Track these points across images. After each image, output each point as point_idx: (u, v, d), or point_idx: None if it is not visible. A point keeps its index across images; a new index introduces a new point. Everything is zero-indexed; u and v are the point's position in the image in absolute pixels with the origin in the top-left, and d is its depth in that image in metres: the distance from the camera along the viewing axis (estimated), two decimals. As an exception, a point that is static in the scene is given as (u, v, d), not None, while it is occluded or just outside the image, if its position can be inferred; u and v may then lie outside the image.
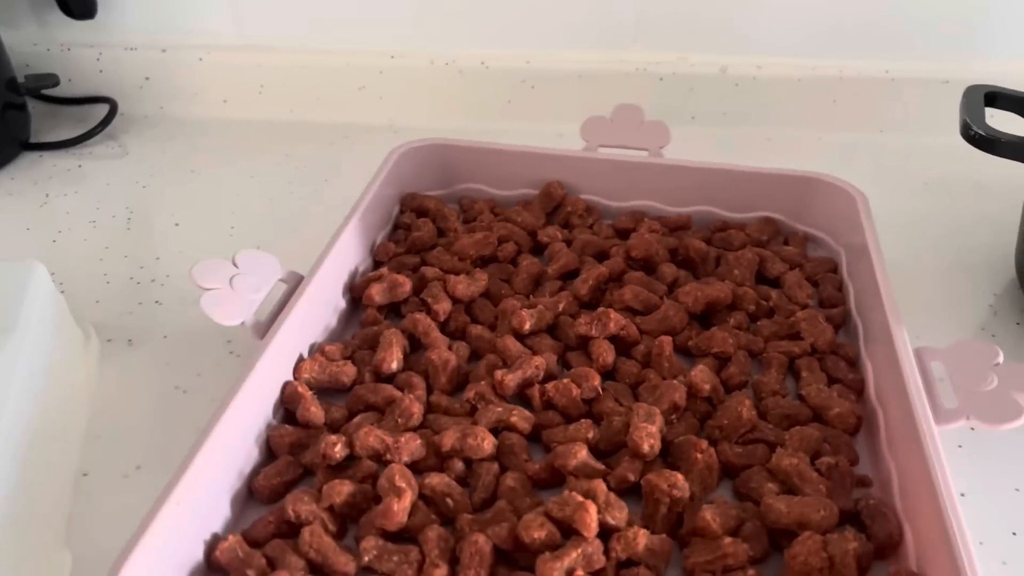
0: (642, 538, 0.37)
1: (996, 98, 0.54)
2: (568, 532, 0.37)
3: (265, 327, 0.45)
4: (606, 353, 0.47)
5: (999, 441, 0.45)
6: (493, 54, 0.76)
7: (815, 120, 0.75)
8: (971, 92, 0.53)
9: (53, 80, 0.75)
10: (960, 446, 0.46)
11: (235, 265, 0.48)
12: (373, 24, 0.75)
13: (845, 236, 0.57)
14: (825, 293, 0.54)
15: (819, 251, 0.60)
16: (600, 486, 0.38)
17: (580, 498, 0.37)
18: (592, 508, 0.37)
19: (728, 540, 0.37)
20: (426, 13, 0.75)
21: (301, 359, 0.47)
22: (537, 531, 0.37)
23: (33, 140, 0.74)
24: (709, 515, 0.38)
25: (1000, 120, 0.52)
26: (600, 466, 0.41)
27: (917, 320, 0.53)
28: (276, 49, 0.77)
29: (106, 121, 0.75)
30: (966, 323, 0.55)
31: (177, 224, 0.64)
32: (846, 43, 0.73)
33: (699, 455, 0.41)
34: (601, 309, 0.49)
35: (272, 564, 0.37)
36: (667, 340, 0.48)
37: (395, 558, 0.37)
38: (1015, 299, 0.56)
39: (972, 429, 0.46)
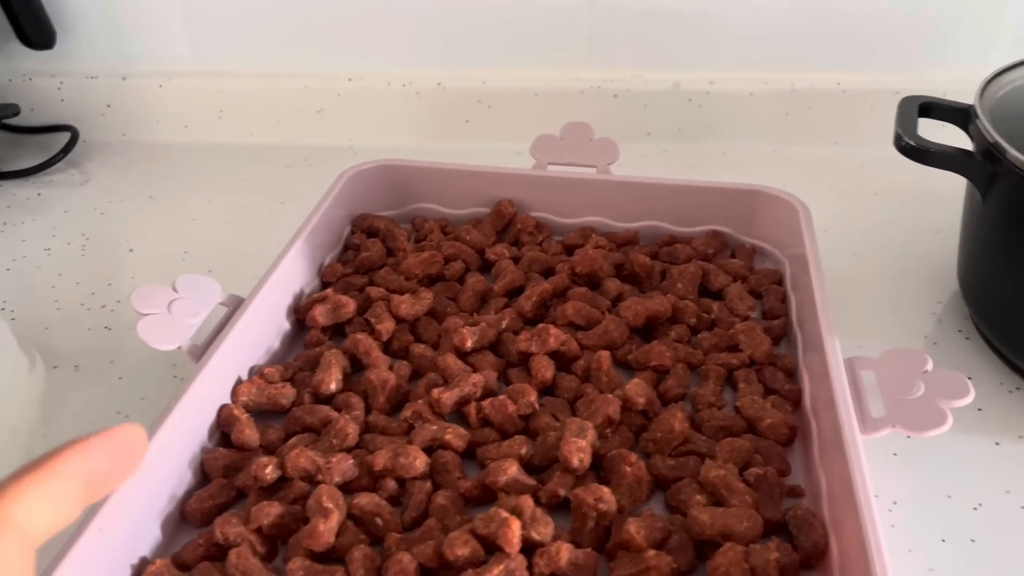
0: (565, 552, 0.37)
1: (931, 109, 0.54)
2: (493, 549, 0.37)
3: (202, 350, 0.46)
4: (545, 369, 0.48)
5: (933, 448, 0.46)
6: (449, 75, 0.76)
7: (769, 133, 0.76)
8: (905, 103, 0.54)
9: (14, 109, 0.76)
10: (895, 454, 0.46)
11: (175, 290, 0.48)
12: (330, 47, 0.76)
13: (789, 247, 0.58)
14: (768, 304, 0.54)
15: (766, 263, 0.60)
16: (527, 502, 0.39)
17: (505, 514, 0.37)
18: (515, 524, 0.37)
19: (652, 553, 0.37)
20: (382, 36, 0.76)
21: (240, 381, 0.47)
22: (461, 548, 0.37)
23: (-6, 169, 0.74)
24: (633, 528, 0.38)
25: (935, 129, 0.52)
26: (531, 481, 0.41)
27: (861, 329, 0.54)
28: (235, 74, 0.77)
29: (67, 148, 0.75)
30: (910, 332, 0.55)
31: (131, 250, 0.64)
32: (798, 56, 0.74)
33: (628, 468, 0.41)
34: (541, 325, 0.49)
35: (199, 587, 0.37)
36: (605, 355, 0.48)
37: (321, 578, 0.37)
38: (958, 308, 0.57)
39: (908, 437, 0.46)
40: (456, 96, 0.77)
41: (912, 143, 0.50)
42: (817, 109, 0.75)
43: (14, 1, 0.71)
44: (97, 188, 0.73)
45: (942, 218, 0.65)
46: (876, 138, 0.74)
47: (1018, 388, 0.50)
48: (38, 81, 0.78)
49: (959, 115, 0.52)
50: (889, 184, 0.70)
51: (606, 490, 0.39)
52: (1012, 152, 0.46)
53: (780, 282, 0.57)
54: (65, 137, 0.76)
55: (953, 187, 0.54)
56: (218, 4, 0.75)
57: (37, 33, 0.73)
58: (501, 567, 0.36)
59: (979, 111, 0.49)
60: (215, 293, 0.49)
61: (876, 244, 0.64)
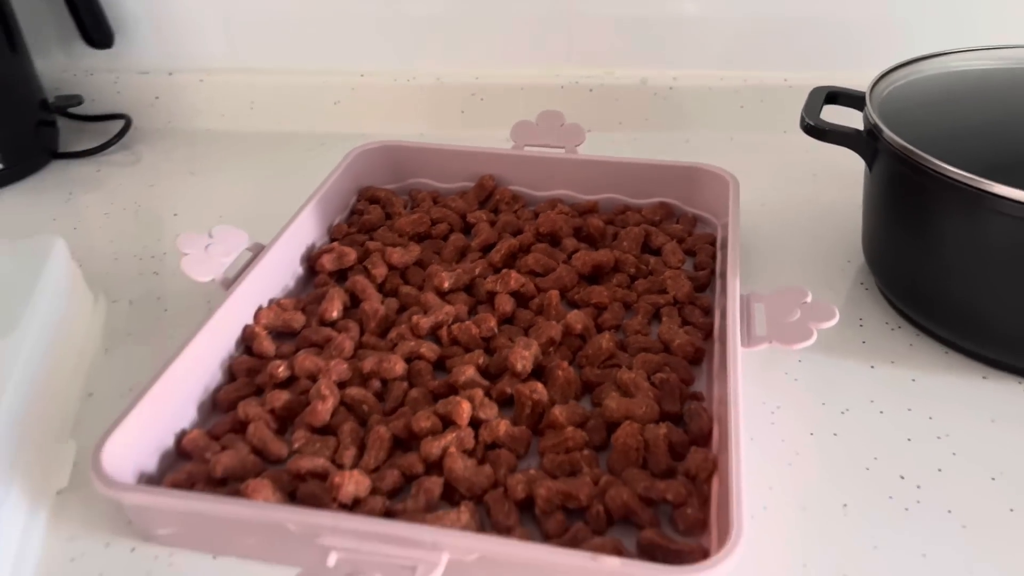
0: (503, 426, 0.48)
1: (837, 96, 0.65)
2: (449, 424, 0.49)
3: (231, 282, 0.57)
4: (505, 304, 0.59)
5: (816, 369, 0.56)
6: (447, 71, 0.88)
7: (725, 123, 0.87)
8: (814, 93, 0.65)
9: (78, 100, 0.89)
10: (786, 373, 0.56)
11: (211, 236, 0.60)
12: (345, 47, 0.88)
13: (723, 216, 0.68)
14: (699, 259, 0.65)
15: (706, 229, 0.71)
16: (477, 392, 0.50)
17: (458, 398, 0.49)
18: (466, 404, 0.48)
19: (570, 429, 0.48)
20: (390, 37, 0.88)
21: (261, 308, 0.59)
22: (424, 422, 0.48)
23: (61, 151, 0.87)
24: (557, 411, 0.49)
25: (840, 115, 0.63)
26: (484, 382, 0.53)
27: (778, 282, 0.64)
28: (264, 71, 0.90)
29: (122, 134, 0.88)
30: (820, 284, 0.65)
31: (175, 215, 0.77)
32: (749, 57, 0.85)
33: (560, 372, 0.52)
34: (505, 270, 0.61)
35: (225, 450, 0.49)
36: (554, 292, 0.59)
37: (318, 444, 0.49)
38: (862, 266, 0.67)
39: (800, 361, 0.57)
40: (453, 90, 0.89)
41: (812, 123, 0.61)
42: (767, 102, 0.86)
43: (80, 7, 0.85)
44: (147, 167, 0.86)
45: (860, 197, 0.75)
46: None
47: (899, 327, 0.60)
48: (98, 76, 0.91)
49: (858, 102, 0.63)
50: (827, 167, 0.81)
51: (540, 385, 0.50)
52: (887, 132, 0.56)
53: (713, 243, 0.68)
54: (120, 124, 0.89)
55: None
56: (251, 11, 0.87)
57: (98, 35, 0.87)
58: (453, 435, 0.47)
59: (868, 99, 0.60)
60: (242, 240, 0.61)
61: (806, 216, 0.74)
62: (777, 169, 0.81)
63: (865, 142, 0.59)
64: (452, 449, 0.47)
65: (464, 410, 0.48)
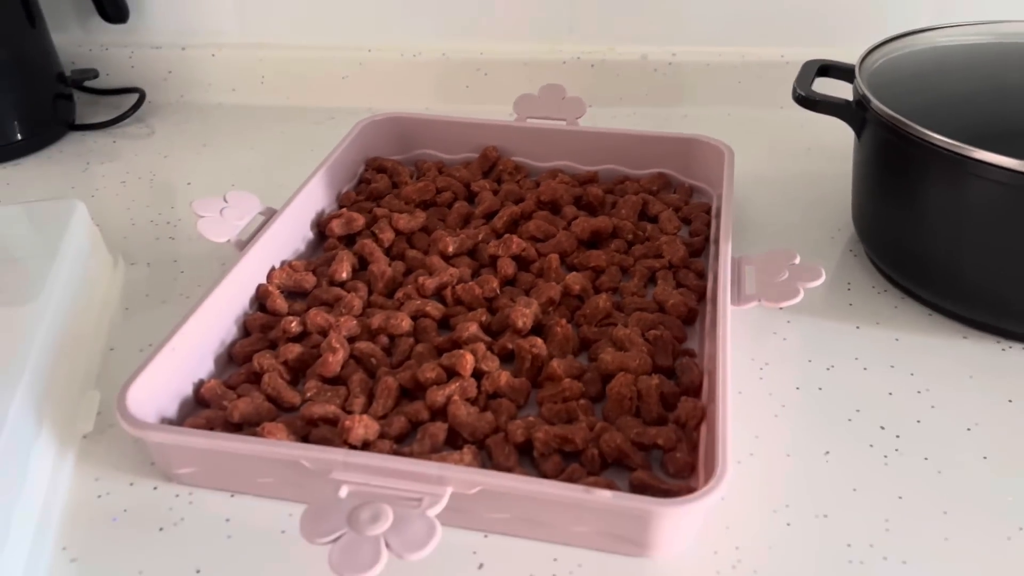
0: (504, 377, 0.51)
1: (829, 69, 0.67)
2: (453, 375, 0.51)
3: (245, 244, 0.60)
4: (507, 267, 0.62)
5: (803, 329, 0.59)
6: (452, 47, 0.91)
7: (723, 98, 0.89)
8: (807, 65, 0.67)
9: (93, 74, 0.91)
10: (775, 332, 0.59)
11: (225, 200, 0.63)
12: (353, 24, 0.91)
13: (718, 186, 0.71)
14: (694, 227, 0.68)
15: (702, 199, 0.73)
16: (480, 346, 0.53)
17: (462, 351, 0.52)
18: (469, 356, 0.51)
19: (567, 380, 0.51)
20: (397, 13, 0.90)
21: (273, 269, 0.62)
22: (430, 372, 0.51)
23: (78, 123, 0.90)
24: (555, 363, 0.52)
25: (832, 87, 0.65)
26: (486, 338, 0.55)
27: (770, 247, 0.66)
28: (274, 46, 0.92)
29: (136, 107, 0.91)
30: (809, 250, 0.68)
31: (189, 184, 0.79)
32: (747, 33, 0.87)
33: (559, 329, 0.55)
34: (507, 235, 0.63)
35: (241, 398, 0.52)
36: (555, 256, 0.62)
37: (328, 393, 0.52)
38: (852, 234, 0.69)
39: (788, 322, 0.60)
40: (458, 65, 0.91)
41: (803, 94, 0.63)
42: (764, 78, 0.88)
43: (96, -17, 0.87)
44: (160, 139, 0.88)
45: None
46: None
47: (885, 290, 0.63)
48: (113, 51, 0.93)
49: (848, 74, 0.65)
50: (820, 142, 0.83)
51: (539, 340, 0.53)
52: (875, 102, 0.58)
53: (708, 211, 0.70)
54: (134, 98, 0.92)
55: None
56: (261, -13, 0.90)
57: (114, 10, 0.89)
58: (457, 384, 0.50)
59: (858, 71, 0.62)
60: (255, 204, 0.64)
61: (798, 188, 0.76)
62: (772, 143, 0.84)
63: (854, 112, 0.62)
64: (456, 397, 0.50)
65: (467, 362, 0.51)
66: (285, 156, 0.84)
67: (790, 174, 0.78)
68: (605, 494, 0.40)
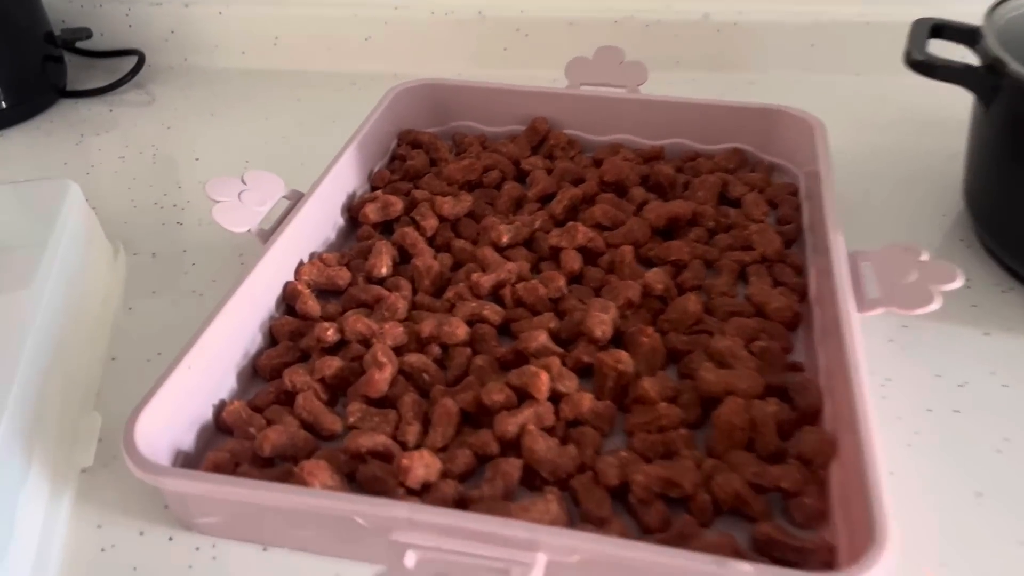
0: (587, 401, 0.42)
1: (943, 30, 0.58)
2: (525, 397, 0.43)
3: (268, 234, 0.51)
4: (573, 261, 0.53)
5: (926, 336, 0.50)
6: (489, 4, 0.81)
7: (794, 63, 0.80)
8: (917, 24, 0.57)
9: (86, 33, 0.82)
10: (891, 340, 0.50)
11: (243, 182, 0.54)
12: (378, -23, 0.81)
13: (805, 164, 0.62)
14: (782, 212, 0.59)
15: (784, 179, 0.64)
16: (554, 361, 0.44)
17: (535, 368, 0.43)
18: (544, 375, 0.42)
19: (663, 404, 0.42)
20: (427, -34, 0.80)
21: (301, 263, 0.53)
22: (497, 395, 0.42)
23: (69, 88, 0.80)
24: (647, 384, 0.43)
25: (947, 50, 0.56)
26: (558, 349, 0.47)
27: (870, 239, 0.58)
28: (289, 3, 0.82)
29: (135, 71, 0.81)
30: (917, 240, 0.59)
31: (197, 159, 0.70)
32: (823, -11, 0.77)
33: (645, 339, 0.46)
34: (571, 223, 0.54)
35: (271, 424, 0.43)
36: (628, 248, 0.53)
37: (376, 418, 0.43)
38: (962, 222, 0.60)
39: (905, 327, 0.51)
40: (495, 25, 0.81)
41: (920, 58, 0.54)
42: (841, 40, 0.78)
43: (87, -70, 0.77)
44: (163, 107, 0.79)
45: (956, 143, 0.68)
46: (897, 69, 0.77)
47: (1011, 288, 0.54)
48: (107, 7, 0.83)
49: (967, 35, 0.56)
50: (907, 112, 0.74)
51: (625, 354, 0.44)
52: (1013, 65, 0.49)
53: (795, 194, 0.61)
54: (132, 61, 0.82)
55: (967, 114, 0.57)
56: (274, -65, 0.80)
57: (108, -39, 0.79)
58: (531, 410, 0.42)
59: (985, 29, 0.53)
60: (279, 186, 0.55)
61: (890, 165, 0.67)
62: (849, 114, 0.74)
63: (982, 78, 0.52)
64: (530, 426, 0.41)
65: (543, 382, 0.42)
66: (304, 128, 0.75)
67: (876, 149, 0.69)
68: (744, 568, 0.32)
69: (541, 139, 0.67)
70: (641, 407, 0.43)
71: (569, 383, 0.44)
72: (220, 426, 0.44)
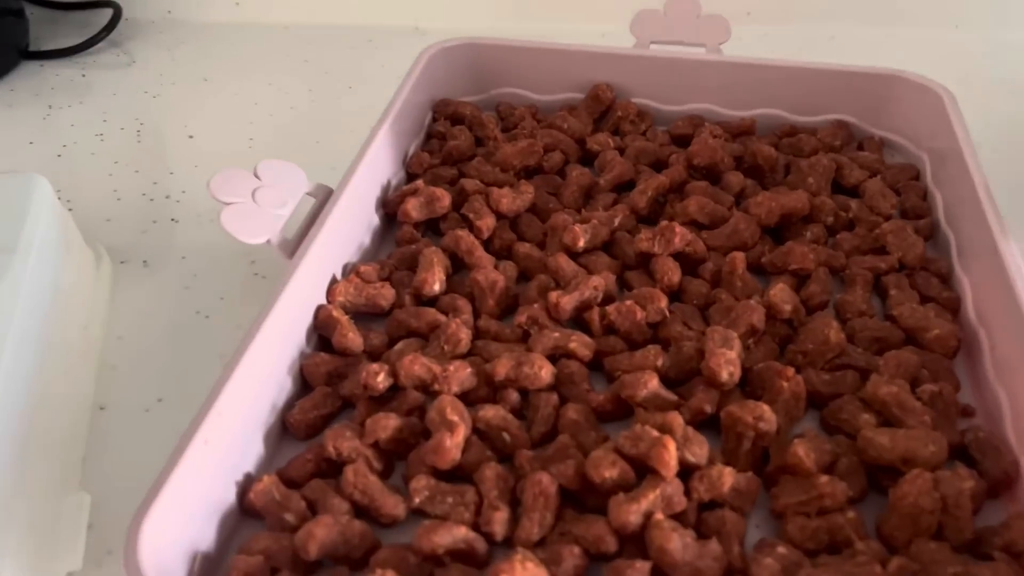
0: (728, 477, 0.33)
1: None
2: (643, 470, 0.33)
3: (294, 245, 0.41)
4: (671, 271, 0.43)
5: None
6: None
7: (882, 16, 0.69)
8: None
9: (50, -19, 0.69)
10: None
11: (257, 177, 0.43)
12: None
13: (929, 140, 0.51)
14: (908, 203, 0.48)
15: (896, 158, 0.54)
16: (677, 419, 0.34)
17: (656, 433, 0.33)
18: (671, 444, 0.32)
19: (825, 479, 0.33)
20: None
21: (334, 281, 0.42)
22: (608, 469, 0.33)
23: (33, 48, 0.68)
24: (802, 451, 0.33)
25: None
26: (672, 396, 0.37)
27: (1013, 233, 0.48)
28: (290, -57, 0.70)
29: (110, 27, 0.69)
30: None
31: (191, 136, 0.59)
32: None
33: (785, 383, 0.36)
34: (665, 223, 0.44)
35: (312, 507, 0.33)
36: (739, 256, 0.43)
37: (449, 499, 0.33)
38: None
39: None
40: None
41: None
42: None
43: None
44: (145, 70, 0.67)
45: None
46: (1004, 20, 0.66)
47: None
48: (74, -50, 0.71)
49: None
50: (1019, 73, 0.63)
51: (766, 408, 0.35)
52: None
53: (917, 178, 0.51)
54: (107, 14, 0.70)
55: None
56: None
57: None
58: (656, 492, 0.32)
59: None
60: (302, 182, 0.44)
61: (1013, 138, 0.57)
62: (948, 75, 0.63)
63: None
64: (658, 515, 0.31)
65: (670, 454, 0.32)
66: (316, 96, 0.63)
67: (991, 119, 0.59)
68: None
69: (604, 110, 0.56)
70: (792, 480, 0.34)
71: (699, 450, 0.34)
72: (247, 510, 0.34)
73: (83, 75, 0.66)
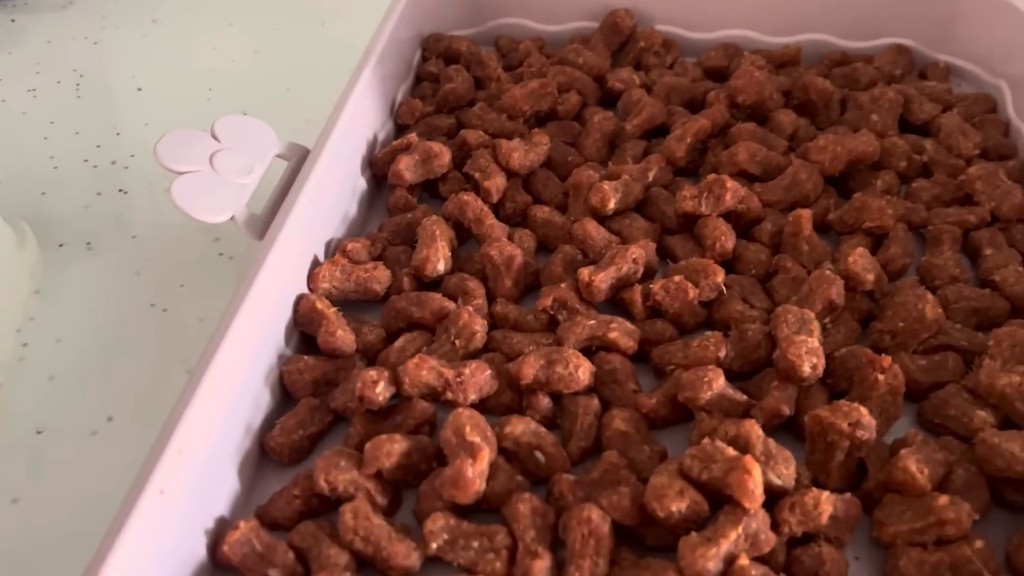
0: (827, 505, 0.26)
1: None
2: (716, 499, 0.26)
3: (265, 222, 0.33)
4: (724, 236, 0.35)
5: None
6: None
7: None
8: None
9: (-34, -90, 0.59)
10: None
11: (215, 138, 0.35)
12: None
13: (1006, 65, 0.44)
14: (990, 141, 0.41)
15: (965, 87, 0.46)
16: (755, 430, 0.27)
17: (731, 451, 0.26)
18: (755, 467, 0.26)
19: (944, 500, 0.26)
20: None
21: (316, 263, 0.35)
22: (676, 502, 0.26)
23: (-49, -10, 0.59)
24: (914, 465, 0.27)
25: None
26: (742, 397, 0.30)
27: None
28: None
29: (41, -38, 0.59)
30: None
31: (140, 89, 0.50)
32: None
33: (880, 376, 0.29)
34: (712, 176, 0.36)
35: (303, 558, 0.27)
36: (805, 214, 0.36)
37: (475, 544, 0.26)
38: None
39: None
40: None
41: None
42: None
43: None
44: (84, 10, 0.58)
45: None
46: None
47: None
48: None
49: None
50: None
51: (864, 411, 0.28)
52: None
53: (995, 110, 0.44)
54: (36, -53, 0.60)
55: None
56: None
57: None
58: (739, 530, 0.25)
59: None
60: (270, 141, 0.36)
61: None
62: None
63: None
64: (744, 561, 0.25)
65: (753, 480, 0.25)
66: (281, 35, 0.55)
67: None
68: None
69: (624, 41, 0.48)
70: (902, 501, 0.27)
71: (785, 470, 0.27)
72: (221, 563, 0.27)
73: (12, 20, 0.57)
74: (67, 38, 0.55)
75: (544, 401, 0.31)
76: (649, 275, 0.35)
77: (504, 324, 0.34)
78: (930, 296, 0.32)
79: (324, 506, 0.28)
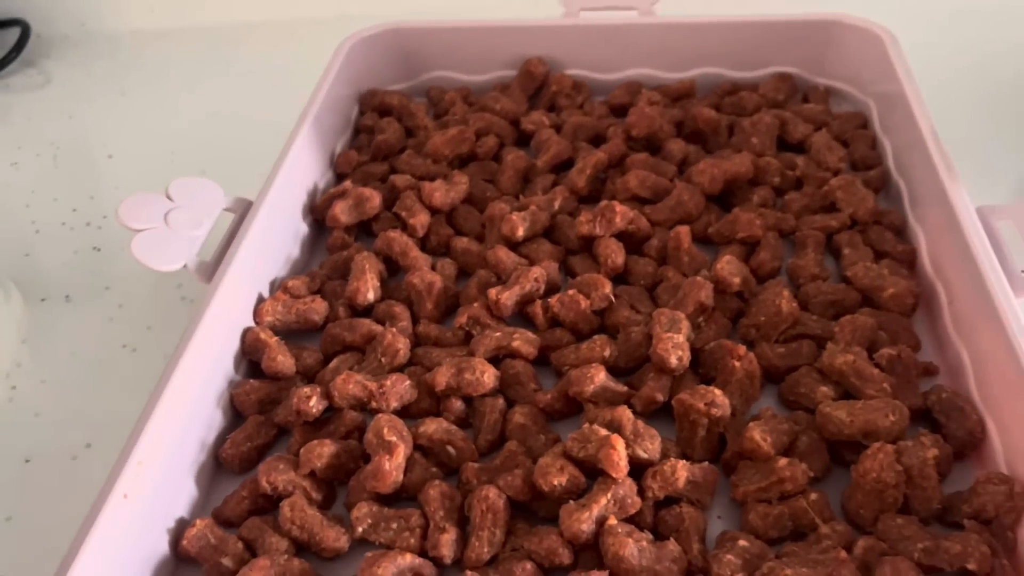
0: (682, 471, 0.31)
1: None
2: (593, 472, 0.31)
3: (212, 267, 0.38)
4: (615, 253, 0.41)
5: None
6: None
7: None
8: None
9: (-50, 5, 0.66)
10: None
11: (169, 198, 0.40)
12: None
13: (873, 85, 0.50)
14: (857, 153, 0.47)
15: (844, 106, 0.52)
16: (625, 414, 0.32)
17: (603, 432, 0.31)
18: (619, 443, 0.31)
19: (783, 461, 0.31)
20: None
21: (261, 300, 0.40)
22: (557, 476, 0.31)
23: (-62, 75, 0.65)
24: (758, 434, 0.32)
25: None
26: (622, 388, 0.35)
27: (965, 176, 0.46)
28: (199, -60, 0.67)
29: (19, 46, 0.66)
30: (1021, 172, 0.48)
31: (110, 156, 0.56)
32: None
33: (736, 363, 0.34)
34: (604, 202, 0.42)
35: (251, 547, 0.32)
36: (683, 230, 0.41)
37: (394, 525, 0.31)
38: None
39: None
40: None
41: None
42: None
43: None
44: (60, 89, 0.64)
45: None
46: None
47: None
48: (-28, -32, 0.67)
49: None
50: (995, 17, 0.61)
51: (718, 392, 0.33)
52: None
53: (865, 126, 0.49)
54: (15, 33, 0.66)
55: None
56: None
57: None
58: (608, 496, 0.30)
59: None
60: (217, 198, 0.41)
61: (962, 74, 0.55)
62: (894, 9, 0.61)
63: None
64: (611, 521, 0.30)
65: (619, 454, 0.30)
66: (239, 98, 0.60)
67: (941, 53, 0.57)
68: None
69: (539, 86, 0.54)
70: (750, 465, 0.32)
71: (650, 445, 0.32)
72: (181, 556, 0.32)
73: (-5, 101, 0.63)
74: (44, 114, 0.61)
75: (457, 404, 0.36)
76: (553, 291, 0.40)
77: (427, 342, 0.39)
78: (786, 293, 0.37)
79: (269, 505, 0.33)
